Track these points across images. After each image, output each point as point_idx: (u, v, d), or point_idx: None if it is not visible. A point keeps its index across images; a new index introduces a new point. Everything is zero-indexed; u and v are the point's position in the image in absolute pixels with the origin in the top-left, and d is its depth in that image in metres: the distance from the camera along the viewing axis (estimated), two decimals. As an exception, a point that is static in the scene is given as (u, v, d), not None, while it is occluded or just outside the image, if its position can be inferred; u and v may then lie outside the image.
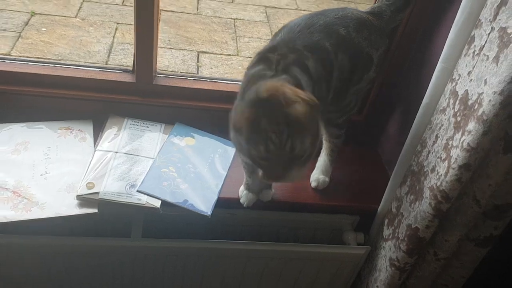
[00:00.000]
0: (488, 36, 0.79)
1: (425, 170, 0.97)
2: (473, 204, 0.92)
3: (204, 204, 1.06)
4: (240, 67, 2.68)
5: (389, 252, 1.11)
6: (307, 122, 0.77)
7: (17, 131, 1.12)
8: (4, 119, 1.14)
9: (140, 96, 1.19)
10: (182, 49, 2.82)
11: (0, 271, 1.07)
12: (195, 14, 3.21)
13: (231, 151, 1.20)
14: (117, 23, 2.89)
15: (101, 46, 2.64)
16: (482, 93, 0.79)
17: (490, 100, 0.76)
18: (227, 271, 1.17)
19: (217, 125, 1.24)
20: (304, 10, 3.65)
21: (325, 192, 1.17)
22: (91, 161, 1.07)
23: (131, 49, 2.58)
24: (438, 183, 0.90)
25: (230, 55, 2.91)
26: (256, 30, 3.22)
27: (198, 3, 3.35)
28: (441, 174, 0.89)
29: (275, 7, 3.57)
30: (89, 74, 1.16)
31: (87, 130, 1.16)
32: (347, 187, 1.20)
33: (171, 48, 2.81)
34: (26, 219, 0.96)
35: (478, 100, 0.80)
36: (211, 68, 2.66)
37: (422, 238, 0.98)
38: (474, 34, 0.84)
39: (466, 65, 0.85)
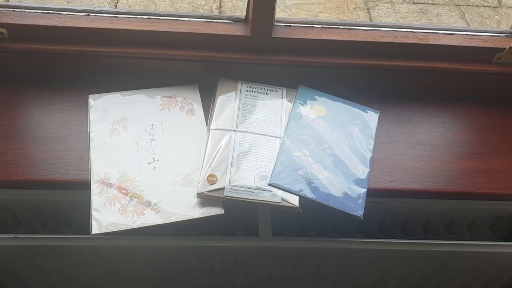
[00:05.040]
0: None
1: None
2: None
3: (352, 200, 0.82)
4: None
5: None
6: None
7: (112, 104, 0.90)
8: (92, 88, 0.92)
9: (256, 54, 0.93)
10: None
11: (116, 271, 0.91)
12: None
13: (372, 120, 0.94)
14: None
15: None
16: None
17: None
18: (366, 272, 0.97)
19: (352, 87, 0.97)
20: None
21: (488, 177, 0.91)
22: (206, 144, 0.85)
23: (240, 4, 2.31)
24: None
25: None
26: None
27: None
28: None
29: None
30: (192, 27, 0.90)
31: (193, 99, 0.93)
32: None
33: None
34: (138, 227, 0.77)
35: None
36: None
37: None
38: None
39: None
